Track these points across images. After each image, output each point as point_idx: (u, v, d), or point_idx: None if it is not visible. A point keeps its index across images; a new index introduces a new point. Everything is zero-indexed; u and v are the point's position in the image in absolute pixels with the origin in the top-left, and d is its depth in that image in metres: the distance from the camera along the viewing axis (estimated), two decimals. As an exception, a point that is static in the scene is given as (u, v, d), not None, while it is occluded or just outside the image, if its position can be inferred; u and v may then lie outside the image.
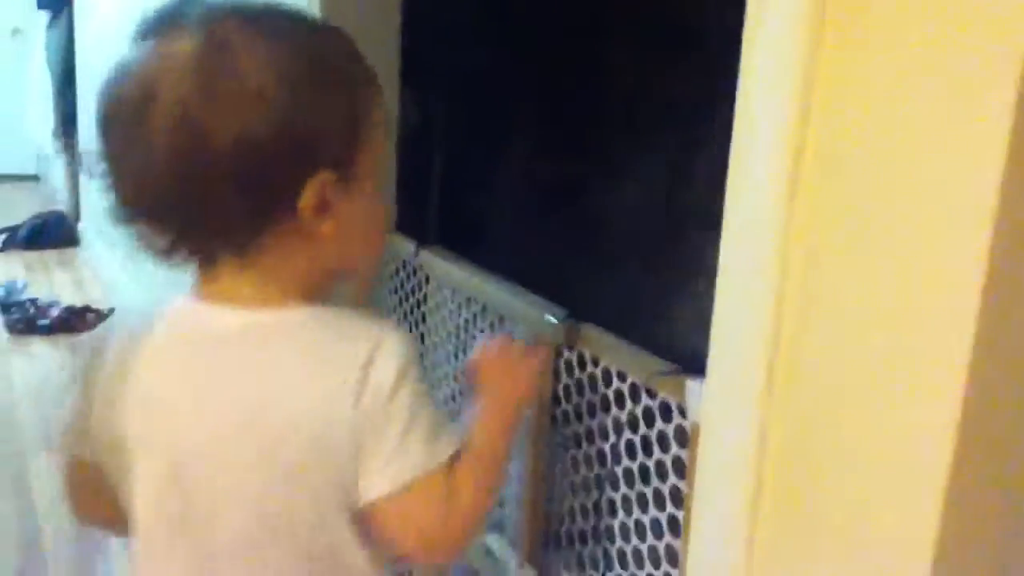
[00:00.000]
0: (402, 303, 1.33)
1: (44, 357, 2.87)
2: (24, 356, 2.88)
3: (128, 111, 0.67)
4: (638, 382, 0.88)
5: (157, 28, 0.69)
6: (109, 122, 0.69)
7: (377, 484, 0.70)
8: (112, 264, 3.40)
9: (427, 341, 1.28)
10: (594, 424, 0.96)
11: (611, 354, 0.92)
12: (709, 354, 0.68)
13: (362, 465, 0.70)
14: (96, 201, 3.65)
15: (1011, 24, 0.48)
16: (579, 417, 0.98)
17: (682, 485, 0.83)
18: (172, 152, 0.66)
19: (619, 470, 0.93)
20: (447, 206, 1.31)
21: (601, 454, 0.96)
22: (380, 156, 0.73)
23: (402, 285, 1.32)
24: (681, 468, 0.83)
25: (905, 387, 0.55)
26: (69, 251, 4.01)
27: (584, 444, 0.98)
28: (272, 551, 0.71)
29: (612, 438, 0.94)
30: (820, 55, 0.58)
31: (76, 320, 3.03)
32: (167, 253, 0.70)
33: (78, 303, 3.19)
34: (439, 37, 1.30)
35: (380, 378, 0.69)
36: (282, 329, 0.71)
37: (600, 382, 0.94)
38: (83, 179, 4.06)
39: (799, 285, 0.61)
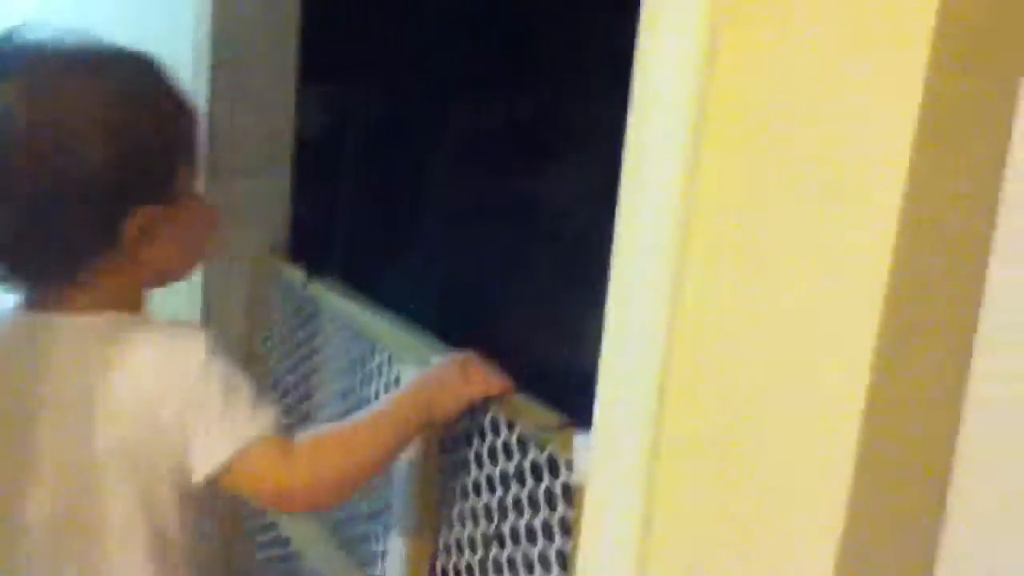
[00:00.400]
0: (291, 337, 1.26)
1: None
2: None
3: None
4: (526, 434, 0.82)
5: None
6: None
7: (210, 456, 0.76)
8: None
9: (316, 378, 1.21)
10: (481, 477, 0.90)
11: (500, 402, 0.87)
12: (595, 408, 0.63)
13: (190, 443, 0.76)
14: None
15: (914, 15, 0.44)
16: (466, 469, 0.92)
17: (568, 547, 0.77)
18: (1, 194, 0.73)
19: (506, 527, 0.87)
20: (343, 234, 1.25)
21: (488, 509, 0.89)
22: (197, 173, 0.80)
23: (290, 318, 1.25)
24: (568, 528, 0.78)
25: (803, 442, 0.51)
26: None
27: (471, 498, 0.92)
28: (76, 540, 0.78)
29: (499, 492, 0.88)
30: (718, 58, 0.54)
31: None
32: (2, 280, 0.78)
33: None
34: (348, 32, 1.23)
35: (193, 365, 0.76)
36: (105, 331, 0.78)
37: (488, 432, 0.88)
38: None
39: (689, 338, 0.57)
